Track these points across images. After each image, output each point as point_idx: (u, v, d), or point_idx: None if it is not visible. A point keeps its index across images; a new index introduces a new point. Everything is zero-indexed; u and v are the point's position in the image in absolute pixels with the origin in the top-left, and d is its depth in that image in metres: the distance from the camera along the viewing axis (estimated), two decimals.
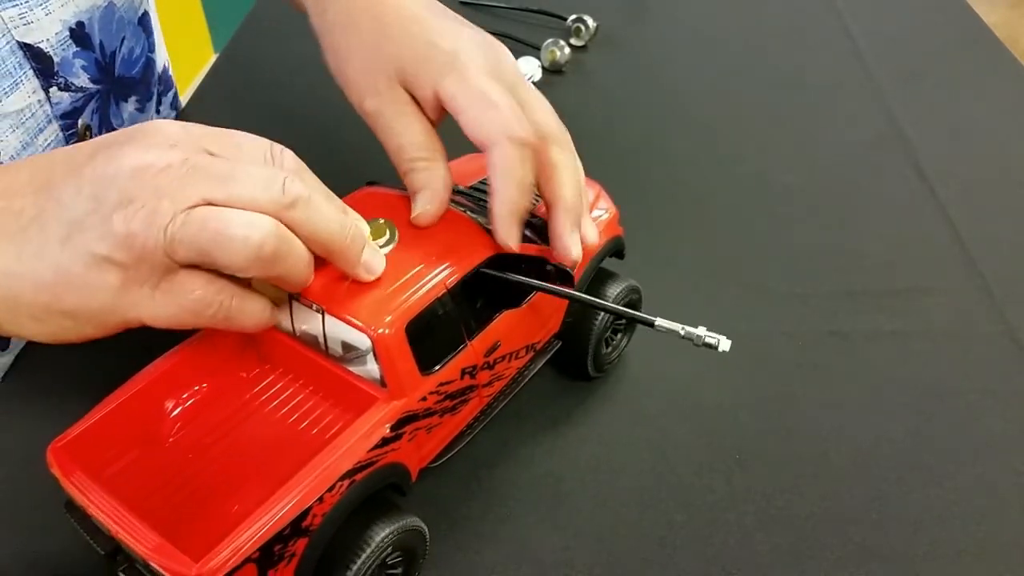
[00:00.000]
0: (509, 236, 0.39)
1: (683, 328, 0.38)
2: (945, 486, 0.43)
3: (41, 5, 0.49)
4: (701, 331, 0.38)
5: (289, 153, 0.36)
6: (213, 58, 2.11)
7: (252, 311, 0.36)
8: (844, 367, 0.50)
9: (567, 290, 0.40)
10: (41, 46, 0.50)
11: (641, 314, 0.40)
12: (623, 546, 0.41)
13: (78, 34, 0.53)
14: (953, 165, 0.65)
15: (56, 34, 0.51)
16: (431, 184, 0.41)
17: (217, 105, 0.75)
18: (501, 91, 0.40)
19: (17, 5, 0.48)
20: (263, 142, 0.36)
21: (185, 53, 2.15)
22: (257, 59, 0.82)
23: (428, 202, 0.40)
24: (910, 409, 0.47)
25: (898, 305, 0.54)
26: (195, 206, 0.32)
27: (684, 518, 0.42)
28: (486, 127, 0.39)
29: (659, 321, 0.39)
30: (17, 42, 0.48)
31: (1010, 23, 2.26)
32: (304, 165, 0.37)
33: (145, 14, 0.63)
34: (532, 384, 0.45)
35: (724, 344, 0.37)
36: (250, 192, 0.33)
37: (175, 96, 0.73)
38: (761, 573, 0.40)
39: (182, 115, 0.74)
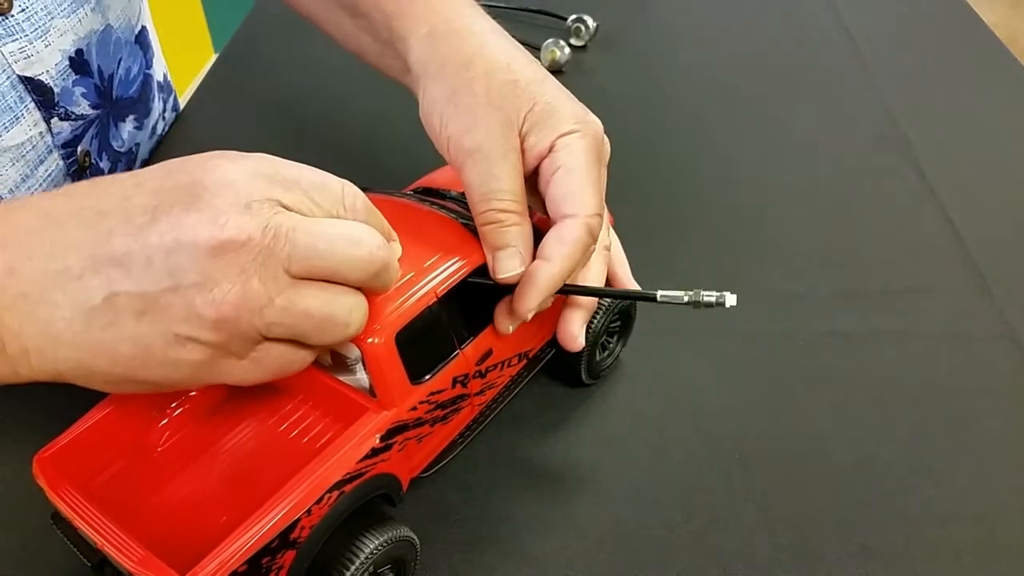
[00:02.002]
0: (529, 306, 0.39)
1: (685, 294, 0.37)
2: (945, 486, 0.43)
3: (41, 38, 0.48)
4: (706, 292, 0.37)
5: (360, 196, 0.35)
6: (213, 58, 2.11)
7: (314, 357, 0.36)
8: (844, 367, 0.50)
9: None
10: (42, 78, 0.49)
11: (641, 291, 0.40)
12: (623, 546, 0.41)
13: (77, 62, 0.52)
14: (953, 165, 0.65)
15: (56, 65, 0.50)
16: (521, 244, 0.39)
17: (217, 105, 0.75)
18: (601, 178, 0.40)
19: (17, 39, 0.47)
20: (334, 185, 0.34)
21: (185, 53, 2.15)
22: (257, 59, 0.82)
23: (521, 264, 0.39)
24: (910, 409, 0.47)
25: (898, 305, 0.54)
26: (288, 285, 0.32)
27: (684, 518, 0.42)
28: (577, 200, 0.39)
29: (660, 293, 0.38)
30: (18, 76, 0.48)
31: (1010, 23, 2.26)
32: (371, 205, 0.36)
33: (143, 30, 0.62)
34: (531, 386, 0.45)
35: (730, 299, 0.37)
36: (338, 264, 0.33)
37: (174, 99, 0.73)
38: (761, 573, 0.40)
39: (182, 116, 0.74)
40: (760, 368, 0.50)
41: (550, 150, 0.40)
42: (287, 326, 0.32)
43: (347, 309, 0.33)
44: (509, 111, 0.40)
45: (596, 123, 0.42)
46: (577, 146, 0.40)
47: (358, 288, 0.34)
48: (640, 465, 0.45)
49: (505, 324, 0.40)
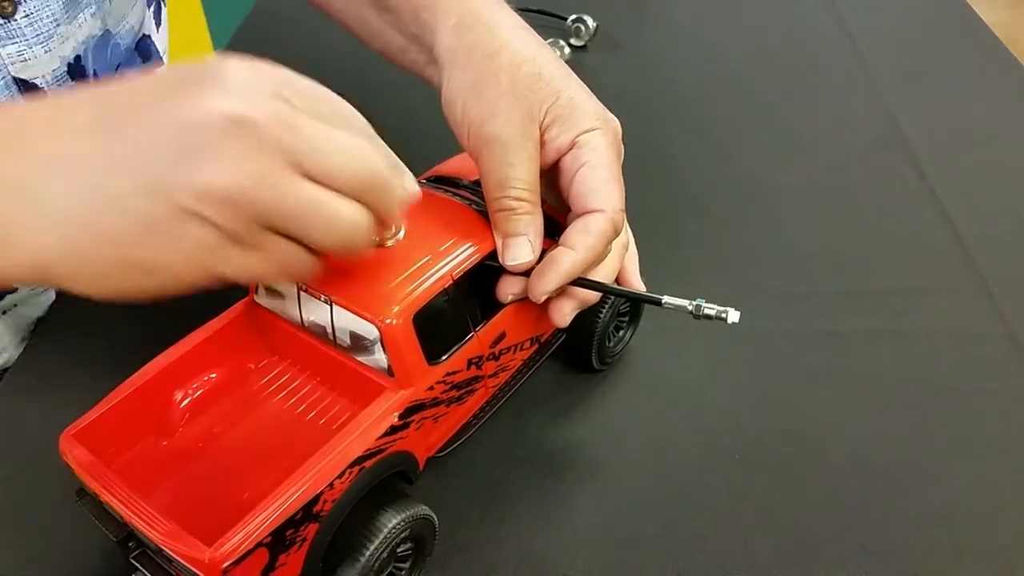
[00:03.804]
0: (546, 289, 0.39)
1: (690, 303, 0.38)
2: (945, 486, 0.43)
3: (42, 44, 0.48)
4: (708, 305, 0.38)
5: (357, 113, 0.35)
6: None
7: (319, 266, 0.35)
8: (844, 367, 0.50)
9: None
10: (36, 82, 0.49)
11: (646, 294, 0.41)
12: (623, 546, 0.41)
13: (75, 68, 0.52)
14: (953, 165, 0.65)
15: (53, 71, 0.50)
16: (532, 232, 0.40)
17: None
18: (621, 175, 0.41)
19: (16, 42, 0.47)
20: (334, 99, 0.34)
21: (185, 53, 2.15)
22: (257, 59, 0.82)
23: (531, 252, 0.40)
24: (910, 409, 0.47)
25: (898, 305, 0.54)
26: (295, 172, 0.31)
27: (684, 518, 0.42)
28: (603, 196, 0.40)
29: (666, 299, 0.39)
30: (12, 77, 0.48)
31: (1010, 23, 2.26)
32: (368, 125, 0.35)
33: (144, 39, 0.61)
34: (532, 385, 0.45)
35: (733, 315, 0.37)
36: (341, 169, 0.32)
37: None
38: (761, 573, 0.40)
39: None
40: (760, 368, 0.50)
41: (572, 146, 0.41)
42: (287, 214, 0.31)
43: (351, 212, 0.32)
44: (532, 103, 0.40)
45: (615, 121, 0.43)
46: (600, 143, 0.41)
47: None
48: (640, 465, 0.45)
49: (506, 292, 0.41)
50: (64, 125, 0.31)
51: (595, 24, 0.80)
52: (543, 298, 0.40)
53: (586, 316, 0.45)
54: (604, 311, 0.45)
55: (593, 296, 0.42)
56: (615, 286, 0.42)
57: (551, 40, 0.75)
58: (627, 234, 0.44)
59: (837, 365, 0.50)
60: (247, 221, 0.31)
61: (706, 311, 0.38)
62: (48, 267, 0.31)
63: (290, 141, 0.31)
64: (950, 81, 0.75)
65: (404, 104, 0.58)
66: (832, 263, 0.57)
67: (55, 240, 0.30)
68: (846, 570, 0.40)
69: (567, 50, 0.76)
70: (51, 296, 0.56)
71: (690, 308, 0.38)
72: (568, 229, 0.40)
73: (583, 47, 0.80)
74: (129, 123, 0.30)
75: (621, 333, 0.49)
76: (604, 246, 0.40)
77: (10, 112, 0.32)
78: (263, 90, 0.31)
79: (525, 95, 0.40)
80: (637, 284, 0.46)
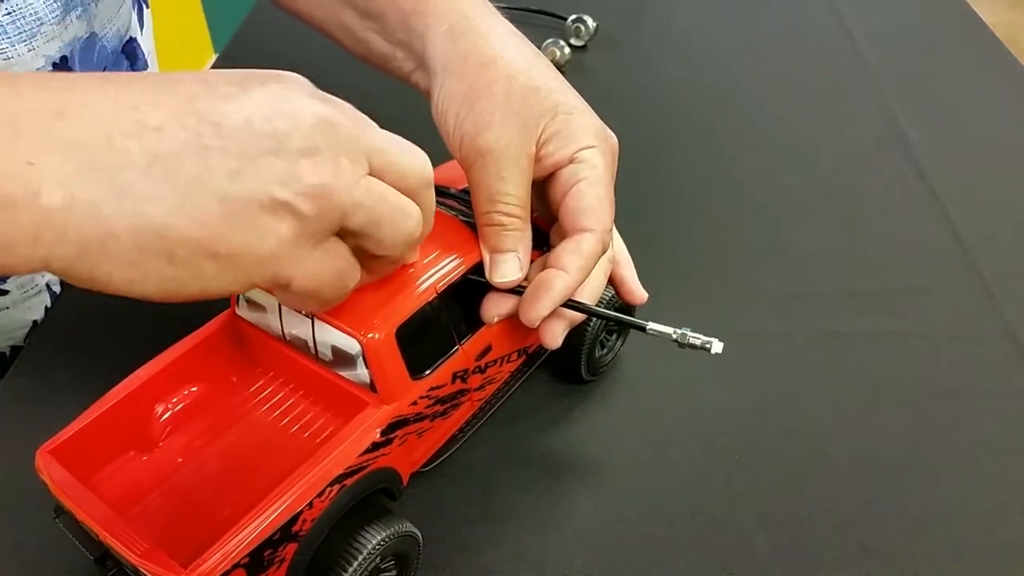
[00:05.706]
0: (542, 314, 0.39)
1: (675, 331, 0.38)
2: (945, 486, 0.43)
3: (25, 42, 0.47)
4: (693, 334, 0.38)
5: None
6: (213, 58, 2.11)
7: (356, 281, 0.35)
8: (844, 367, 0.50)
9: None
10: None
11: (632, 319, 0.40)
12: (623, 546, 0.41)
13: (61, 68, 0.51)
14: (953, 165, 0.65)
15: (38, 70, 0.49)
16: (521, 250, 0.40)
17: None
18: (613, 195, 0.41)
19: None
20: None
21: (185, 53, 2.15)
22: (257, 59, 0.81)
23: (520, 269, 0.39)
24: (910, 409, 0.47)
25: (898, 305, 0.54)
26: (367, 172, 0.32)
27: (684, 518, 0.42)
28: (596, 216, 0.40)
29: (651, 325, 0.39)
30: None
31: (1010, 23, 2.26)
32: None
33: (131, 41, 0.61)
34: (530, 385, 0.45)
35: (716, 346, 0.37)
36: (409, 169, 0.33)
37: None
38: (761, 573, 0.40)
39: None
40: (760, 368, 0.50)
41: (570, 160, 0.40)
42: (368, 209, 0.31)
43: (417, 210, 0.34)
44: (528, 117, 0.40)
45: (614, 139, 0.42)
46: (599, 161, 0.40)
47: None
48: (640, 465, 0.45)
49: (492, 314, 0.40)
50: (129, 101, 0.28)
51: (595, 24, 0.80)
52: (537, 323, 0.39)
53: (574, 328, 0.45)
54: (592, 322, 0.45)
55: (582, 315, 0.42)
56: (603, 310, 0.42)
57: (551, 40, 0.75)
58: (612, 248, 0.44)
59: (837, 365, 0.50)
60: (330, 219, 0.31)
61: (691, 340, 0.37)
62: (107, 247, 0.27)
63: (367, 143, 0.32)
64: (950, 81, 0.75)
65: (405, 104, 0.58)
66: (832, 263, 0.57)
67: (127, 216, 0.27)
68: (846, 570, 0.40)
69: (567, 50, 0.76)
70: (45, 299, 0.56)
71: (674, 336, 0.38)
72: (558, 249, 0.40)
73: (583, 47, 0.80)
74: (205, 108, 0.29)
75: (611, 342, 0.49)
76: (593, 267, 0.40)
77: (56, 79, 0.29)
78: (327, 98, 0.32)
79: (521, 109, 0.39)
80: (637, 290, 0.45)
